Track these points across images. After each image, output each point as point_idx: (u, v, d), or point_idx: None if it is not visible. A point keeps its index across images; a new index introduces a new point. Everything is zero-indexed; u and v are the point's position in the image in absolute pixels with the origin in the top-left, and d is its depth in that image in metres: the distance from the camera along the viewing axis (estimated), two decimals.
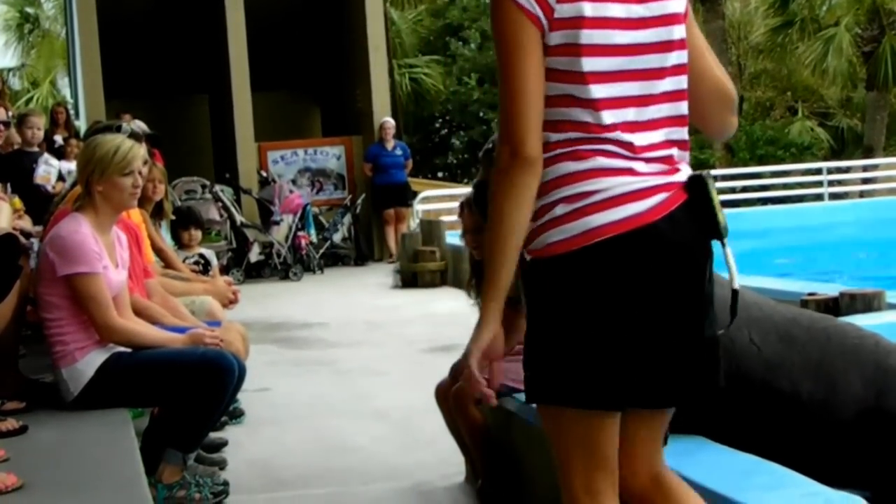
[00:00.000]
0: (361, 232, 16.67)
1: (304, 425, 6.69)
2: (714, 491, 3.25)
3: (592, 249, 2.52)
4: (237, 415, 6.61)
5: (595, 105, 2.58)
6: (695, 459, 3.57)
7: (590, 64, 2.57)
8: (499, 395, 4.87)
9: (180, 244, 7.86)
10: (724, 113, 2.82)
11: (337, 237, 16.24)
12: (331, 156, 17.44)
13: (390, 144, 16.50)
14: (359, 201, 16.52)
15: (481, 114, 29.51)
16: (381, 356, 8.91)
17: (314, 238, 15.62)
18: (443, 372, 5.21)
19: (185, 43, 18.61)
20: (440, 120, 29.91)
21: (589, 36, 2.56)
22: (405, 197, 16.48)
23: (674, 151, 2.65)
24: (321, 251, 15.71)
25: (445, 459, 5.46)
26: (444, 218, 14.95)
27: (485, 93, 29.36)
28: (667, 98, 2.66)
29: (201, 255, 8.06)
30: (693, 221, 2.59)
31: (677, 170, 2.64)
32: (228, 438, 6.06)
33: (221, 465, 5.58)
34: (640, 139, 2.60)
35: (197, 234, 8.15)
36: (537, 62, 2.55)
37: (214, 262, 8.30)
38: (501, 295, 2.58)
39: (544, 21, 2.55)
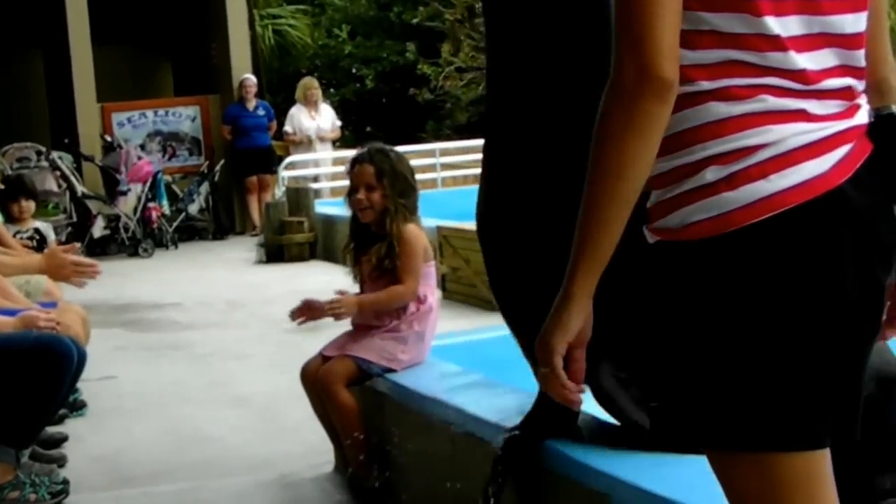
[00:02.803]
0: (220, 202, 16.57)
1: (155, 416, 6.69)
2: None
3: (764, 227, 1.97)
4: (78, 406, 6.56)
5: (757, 6, 2.00)
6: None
7: None
8: (367, 375, 4.97)
9: (10, 217, 7.74)
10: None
11: (193, 208, 16.11)
12: (184, 117, 17.27)
13: (251, 104, 16.38)
14: (217, 168, 16.40)
15: (354, 70, 29.48)
16: (243, 338, 8.91)
17: (167, 210, 15.51)
18: (311, 353, 5.26)
19: None
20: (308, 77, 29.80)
21: None
22: (269, 162, 16.37)
23: (850, 81, 2.09)
24: (175, 224, 15.59)
25: (313, 448, 5.50)
26: (313, 185, 14.92)
27: (357, 46, 29.31)
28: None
29: (36, 230, 7.96)
30: (881, 184, 2.06)
31: (857, 107, 2.09)
32: (69, 433, 6.04)
33: (60, 461, 5.54)
34: (812, 61, 2.04)
35: (29, 205, 8.04)
36: None
37: (51, 236, 8.21)
38: (602, 266, 2.02)
39: None
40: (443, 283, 9.36)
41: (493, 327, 7.42)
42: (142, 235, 14.85)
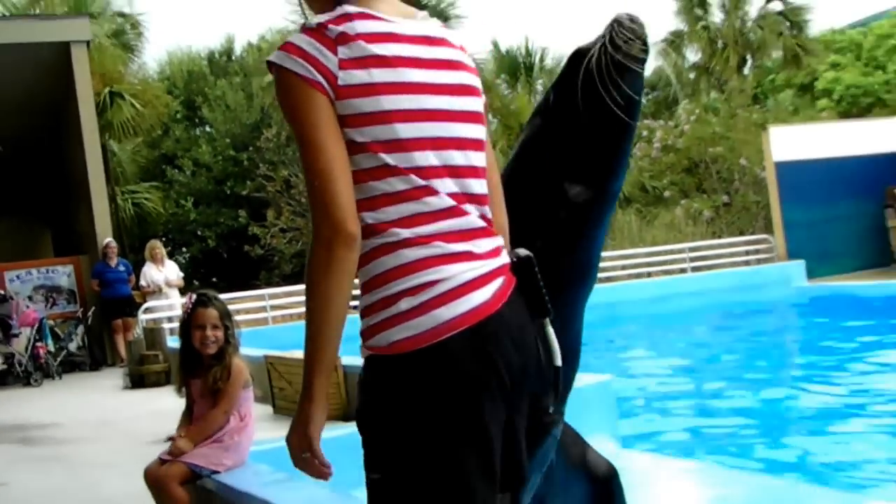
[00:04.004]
0: (94, 340, 16.40)
1: None
2: None
3: (444, 345, 2.07)
4: None
5: (418, 175, 2.14)
6: None
7: (395, 112, 2.13)
8: (198, 475, 5.00)
9: None
10: None
11: (72, 346, 15.95)
12: (62, 274, 17.13)
13: (114, 262, 16.29)
14: (90, 313, 16.29)
15: (199, 232, 29.43)
16: (111, 449, 8.86)
17: (51, 347, 15.33)
18: None
19: None
20: (163, 239, 29.58)
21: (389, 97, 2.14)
22: (130, 308, 16.26)
23: (494, 237, 2.26)
24: (59, 359, 15.38)
25: None
26: (167, 325, 14.93)
27: (200, 213, 29.31)
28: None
29: None
30: (525, 304, 2.21)
31: (501, 248, 2.24)
32: None
33: None
34: (465, 188, 2.21)
35: None
36: (334, 127, 2.09)
37: None
38: (330, 369, 2.09)
39: (328, 87, 2.10)
40: (273, 400, 9.44)
41: None
42: (32, 369, 14.61)
